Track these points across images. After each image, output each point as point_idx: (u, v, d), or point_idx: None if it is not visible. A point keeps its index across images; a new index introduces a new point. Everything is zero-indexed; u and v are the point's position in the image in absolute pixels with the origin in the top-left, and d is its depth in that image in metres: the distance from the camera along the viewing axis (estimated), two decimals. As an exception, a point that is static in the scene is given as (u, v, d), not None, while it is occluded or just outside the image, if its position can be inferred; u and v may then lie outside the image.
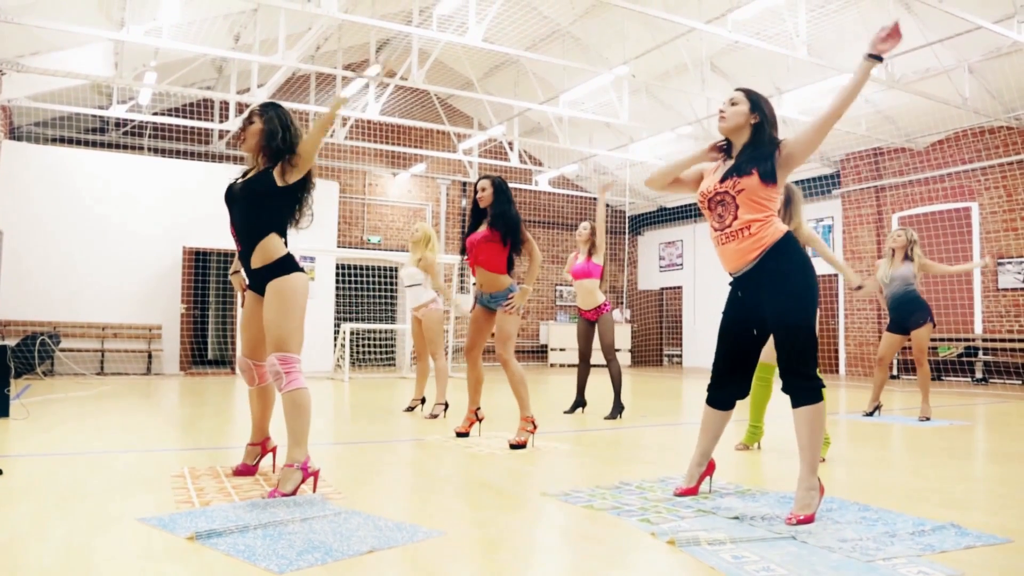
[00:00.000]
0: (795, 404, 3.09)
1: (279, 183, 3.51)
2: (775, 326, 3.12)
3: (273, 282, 3.49)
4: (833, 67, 10.64)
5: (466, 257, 5.30)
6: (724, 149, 3.37)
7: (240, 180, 3.66)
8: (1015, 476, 4.18)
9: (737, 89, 3.34)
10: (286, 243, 3.62)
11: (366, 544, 2.59)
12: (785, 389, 3.13)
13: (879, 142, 13.94)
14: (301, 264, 3.73)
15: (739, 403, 3.57)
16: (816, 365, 3.13)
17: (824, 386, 3.10)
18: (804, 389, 3.06)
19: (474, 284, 5.44)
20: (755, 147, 3.23)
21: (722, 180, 3.23)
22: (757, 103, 3.28)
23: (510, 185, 5.40)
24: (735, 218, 3.19)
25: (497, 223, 5.08)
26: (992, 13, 9.87)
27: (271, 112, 3.61)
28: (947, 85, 11.65)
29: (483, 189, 5.19)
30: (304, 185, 3.62)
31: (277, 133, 3.56)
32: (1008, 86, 11.74)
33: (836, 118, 3.09)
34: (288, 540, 2.61)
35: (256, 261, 3.54)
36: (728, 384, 3.43)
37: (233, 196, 3.63)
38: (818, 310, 3.34)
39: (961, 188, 13.37)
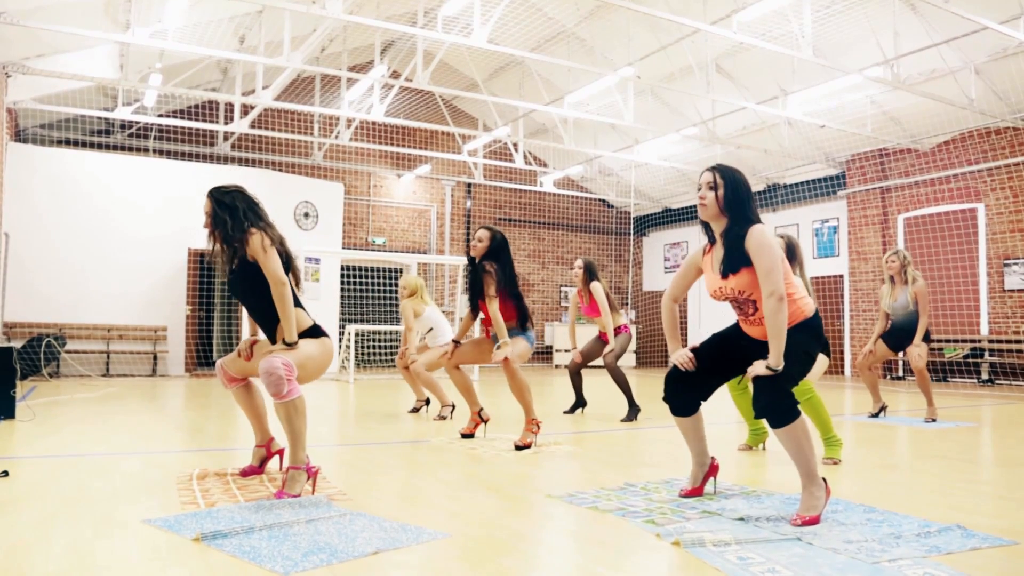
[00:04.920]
0: (773, 425, 3.01)
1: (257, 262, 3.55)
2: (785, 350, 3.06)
3: (308, 338, 3.55)
4: (838, 68, 10.62)
5: (482, 318, 5.34)
6: (707, 234, 3.33)
7: (231, 271, 3.67)
8: (1020, 479, 4.16)
9: (708, 170, 3.24)
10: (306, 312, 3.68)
11: (371, 545, 2.59)
12: (759, 412, 3.02)
13: (885, 143, 13.91)
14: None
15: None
16: (795, 385, 3.08)
17: (799, 402, 3.04)
18: (780, 410, 2.98)
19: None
20: (730, 232, 3.16)
21: (723, 276, 3.19)
22: (734, 182, 3.18)
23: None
24: (756, 310, 3.18)
25: (475, 287, 5.09)
26: (998, 14, 9.85)
27: (217, 198, 3.62)
28: (953, 86, 11.62)
29: (479, 240, 5.17)
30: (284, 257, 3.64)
31: (226, 223, 3.58)
32: (1014, 87, 11.71)
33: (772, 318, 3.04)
34: (293, 541, 2.62)
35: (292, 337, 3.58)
36: (684, 390, 3.37)
37: (234, 289, 3.68)
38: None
39: (967, 189, 13.33)
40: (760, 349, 3.18)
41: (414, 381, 7.35)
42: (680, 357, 3.33)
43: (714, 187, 3.18)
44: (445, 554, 2.54)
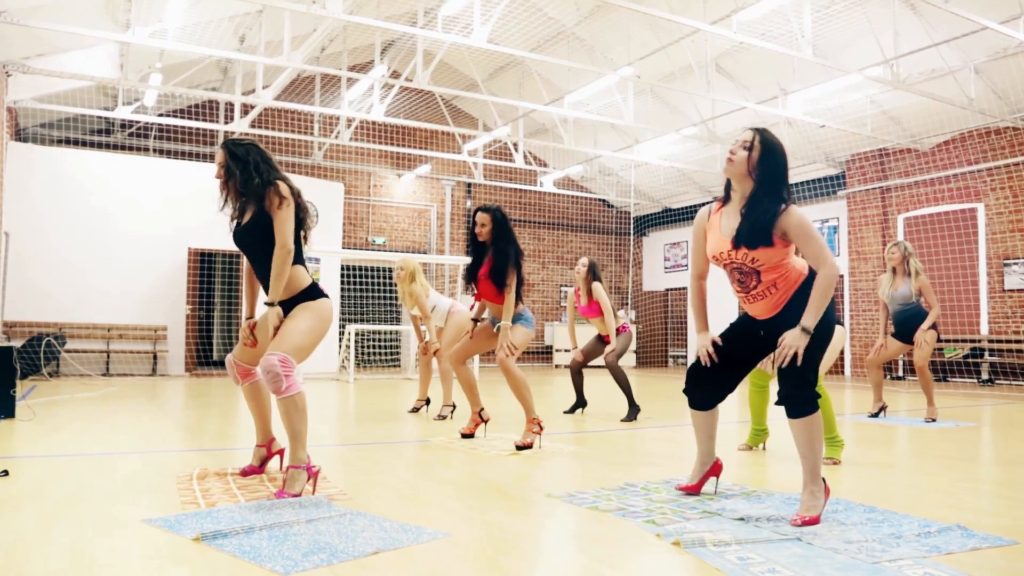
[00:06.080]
0: (791, 415, 3.04)
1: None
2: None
3: (304, 303, 3.56)
4: (838, 68, 10.62)
5: (474, 292, 5.29)
6: (725, 190, 3.24)
7: (240, 224, 3.66)
8: (1020, 479, 4.16)
9: (753, 129, 3.13)
10: (307, 271, 3.69)
11: (371, 545, 2.59)
12: (780, 400, 3.07)
13: (885, 143, 13.91)
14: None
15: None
16: (817, 377, 3.08)
17: (820, 396, 3.06)
18: (801, 400, 3.00)
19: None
20: (757, 206, 3.07)
21: (735, 246, 3.09)
22: (770, 148, 3.08)
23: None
24: (759, 282, 3.14)
25: (494, 273, 5.01)
26: (998, 14, 9.85)
27: (231, 150, 3.63)
28: (953, 86, 11.62)
29: (482, 224, 5.07)
30: (299, 214, 3.64)
31: (235, 174, 3.59)
32: (1014, 86, 11.71)
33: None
34: (294, 541, 2.62)
35: (283, 296, 3.59)
36: (704, 385, 3.38)
37: (243, 242, 3.66)
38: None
39: (967, 189, 13.33)
40: (773, 334, 3.17)
41: (427, 377, 7.30)
42: (702, 350, 3.31)
43: (749, 148, 3.08)
44: (445, 554, 2.54)
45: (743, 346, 3.35)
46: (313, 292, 3.61)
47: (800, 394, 3.01)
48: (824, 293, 2.99)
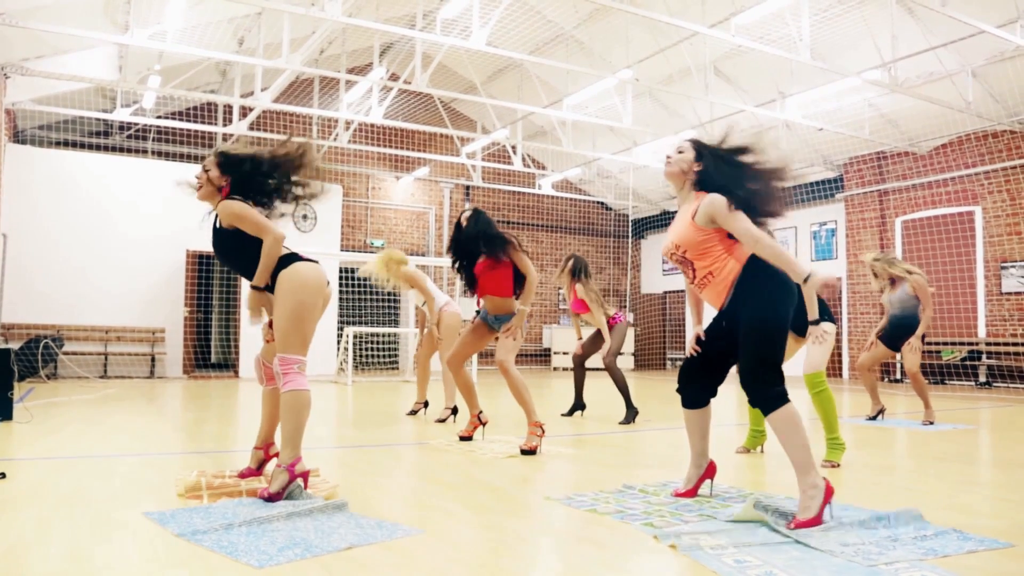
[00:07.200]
0: (764, 414, 3.08)
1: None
2: (744, 330, 3.09)
3: (280, 274, 3.48)
4: (836, 71, 10.63)
5: (475, 290, 5.35)
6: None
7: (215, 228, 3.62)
8: (1018, 481, 4.17)
9: (687, 139, 3.38)
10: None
11: (345, 541, 2.66)
12: (750, 401, 3.13)
13: (882, 146, 13.93)
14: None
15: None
16: (778, 375, 3.07)
17: (784, 392, 3.05)
18: (763, 398, 3.05)
19: (477, 307, 5.46)
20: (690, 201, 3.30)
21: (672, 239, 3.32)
22: (702, 154, 3.29)
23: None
24: (695, 270, 3.26)
25: (484, 247, 5.14)
26: (995, 17, 9.87)
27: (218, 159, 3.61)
28: (950, 89, 11.64)
29: (467, 220, 5.36)
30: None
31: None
32: (1011, 90, 11.74)
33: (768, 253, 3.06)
34: (271, 537, 2.67)
35: (259, 281, 3.53)
36: (695, 380, 3.43)
37: (216, 247, 3.64)
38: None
39: (964, 192, 13.35)
40: (730, 324, 3.23)
41: (425, 379, 7.28)
42: (687, 345, 3.46)
43: (680, 151, 3.34)
44: (444, 556, 2.54)
45: (719, 338, 3.40)
46: (284, 261, 3.49)
47: (759, 393, 3.06)
48: (775, 257, 3.02)
